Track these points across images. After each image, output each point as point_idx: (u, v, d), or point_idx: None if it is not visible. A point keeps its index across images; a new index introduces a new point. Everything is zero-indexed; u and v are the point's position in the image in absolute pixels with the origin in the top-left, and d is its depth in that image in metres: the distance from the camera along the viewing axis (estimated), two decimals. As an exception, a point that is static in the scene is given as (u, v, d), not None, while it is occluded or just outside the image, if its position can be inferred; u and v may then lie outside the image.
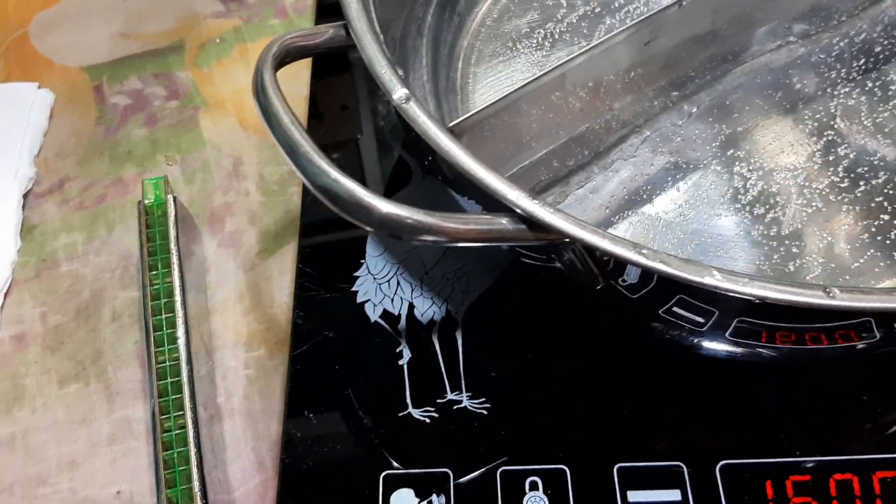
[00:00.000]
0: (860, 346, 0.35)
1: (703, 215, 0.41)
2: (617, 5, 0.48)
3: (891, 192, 0.42)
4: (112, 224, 0.48)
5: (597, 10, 0.48)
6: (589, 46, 0.37)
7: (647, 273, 0.31)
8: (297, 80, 0.53)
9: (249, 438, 0.41)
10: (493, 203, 0.30)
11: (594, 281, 0.32)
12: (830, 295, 0.27)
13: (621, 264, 0.30)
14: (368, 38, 0.33)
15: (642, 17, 0.38)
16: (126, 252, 0.47)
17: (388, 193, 0.46)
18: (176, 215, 0.45)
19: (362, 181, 0.46)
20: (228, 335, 0.44)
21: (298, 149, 0.28)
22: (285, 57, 0.32)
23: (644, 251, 0.28)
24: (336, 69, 0.52)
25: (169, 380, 0.40)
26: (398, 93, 0.31)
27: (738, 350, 0.36)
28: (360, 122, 0.50)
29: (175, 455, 0.39)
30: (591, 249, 0.29)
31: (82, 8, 0.58)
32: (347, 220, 0.28)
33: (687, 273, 0.27)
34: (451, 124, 0.33)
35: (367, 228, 0.28)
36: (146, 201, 0.46)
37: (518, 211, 0.29)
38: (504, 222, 0.29)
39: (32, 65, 0.55)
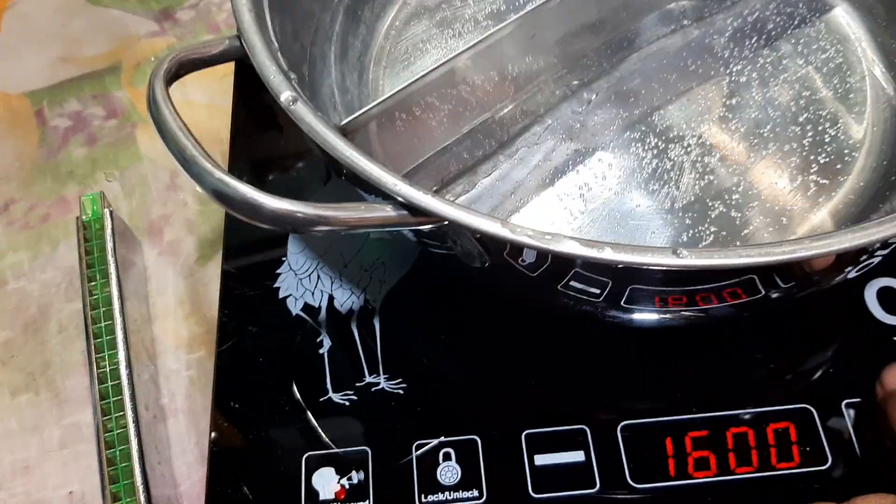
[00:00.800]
0: (748, 303, 0.37)
1: (603, 195, 0.43)
2: (521, 2, 0.51)
3: (779, 161, 0.44)
4: (56, 241, 0.51)
5: (501, 7, 0.51)
6: (473, 43, 0.39)
7: (540, 254, 0.34)
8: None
9: (193, 435, 0.43)
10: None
11: (481, 259, 0.34)
12: (679, 255, 0.29)
13: (500, 241, 0.32)
14: (259, 47, 0.35)
15: (523, 13, 0.40)
16: (70, 267, 0.49)
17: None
18: (113, 228, 0.47)
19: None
20: (170, 340, 0.46)
21: (185, 153, 0.31)
22: (179, 70, 0.34)
23: (514, 227, 0.30)
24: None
25: (110, 383, 0.43)
26: (285, 95, 0.33)
27: (635, 316, 0.38)
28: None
29: (118, 453, 0.41)
30: (465, 228, 0.31)
31: (21, 36, 0.61)
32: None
33: (548, 245, 0.29)
34: (342, 123, 0.36)
35: (260, 225, 0.30)
36: (84, 217, 0.48)
37: (398, 198, 0.31)
38: (388, 209, 0.31)
39: (-26, 94, 0.58)
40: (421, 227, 0.32)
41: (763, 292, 0.36)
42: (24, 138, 0.55)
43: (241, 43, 0.36)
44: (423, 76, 0.38)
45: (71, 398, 0.45)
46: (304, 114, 0.33)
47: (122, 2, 0.62)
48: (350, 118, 0.36)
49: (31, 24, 0.61)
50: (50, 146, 0.55)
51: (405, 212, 0.31)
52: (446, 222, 0.31)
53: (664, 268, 0.29)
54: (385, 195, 0.32)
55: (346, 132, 0.36)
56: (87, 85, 0.58)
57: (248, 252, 0.46)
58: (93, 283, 0.46)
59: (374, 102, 0.37)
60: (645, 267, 0.29)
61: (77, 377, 0.46)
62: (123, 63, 0.59)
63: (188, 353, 0.46)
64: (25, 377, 0.46)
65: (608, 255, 0.29)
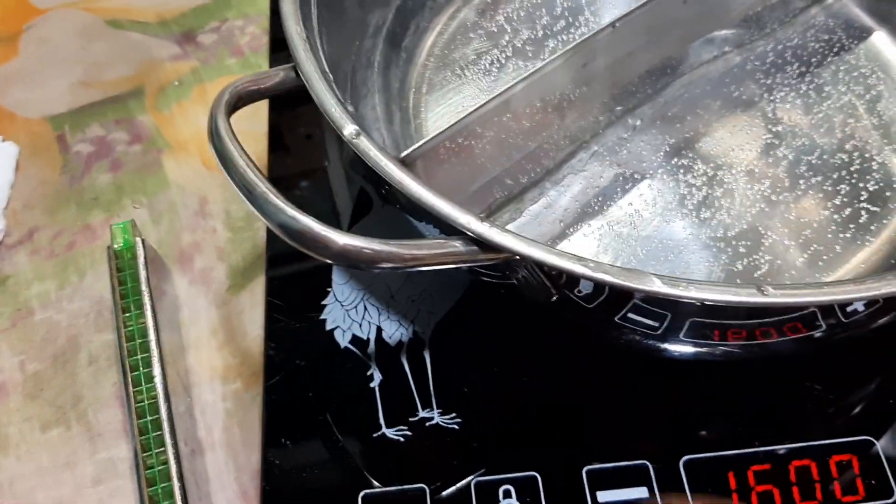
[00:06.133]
0: (808, 337, 0.36)
1: (652, 223, 0.43)
2: (559, 28, 0.50)
3: (829, 188, 0.44)
4: (83, 270, 0.50)
5: (539, 34, 0.50)
6: (528, 73, 0.39)
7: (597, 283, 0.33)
8: (257, 116, 0.54)
9: (232, 469, 0.42)
10: (447, 226, 0.31)
11: (548, 294, 0.33)
12: (764, 293, 0.29)
13: (570, 276, 0.32)
14: (317, 78, 0.34)
15: (577, 41, 0.40)
16: (98, 297, 0.48)
17: (354, 220, 0.47)
18: (145, 257, 0.47)
19: (332, 209, 0.48)
20: (204, 371, 0.45)
21: (255, 189, 0.30)
22: (238, 101, 0.34)
23: (589, 263, 0.29)
24: (298, 100, 0.54)
25: (148, 418, 0.42)
26: (348, 129, 0.33)
27: (694, 349, 0.37)
28: (325, 150, 0.51)
29: (159, 490, 0.40)
30: (539, 265, 0.30)
31: (40, 60, 0.60)
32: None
33: (629, 281, 0.29)
34: (402, 155, 0.35)
35: (327, 261, 0.30)
36: (115, 246, 0.47)
37: (469, 233, 0.30)
38: (457, 245, 0.31)
39: (-6, 119, 0.57)
40: (488, 264, 0.32)
41: (824, 327, 0.35)
42: (47, 164, 0.54)
43: (297, 73, 0.35)
44: (481, 106, 0.38)
45: (104, 432, 0.44)
46: (368, 149, 0.32)
47: (143, 25, 0.61)
48: (410, 150, 0.35)
49: (49, 48, 0.60)
50: (73, 172, 0.54)
51: (475, 247, 0.31)
52: (517, 257, 0.31)
53: (751, 306, 0.28)
54: (451, 229, 0.31)
55: (405, 164, 0.35)
56: (110, 109, 0.57)
57: (292, 284, 0.45)
58: (127, 315, 0.45)
59: (434, 134, 0.36)
60: (731, 305, 0.28)
61: (110, 410, 0.45)
62: (146, 87, 0.58)
63: (224, 385, 0.45)
64: (56, 411, 0.45)
65: (693, 293, 0.29)
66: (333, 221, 0.47)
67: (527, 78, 0.39)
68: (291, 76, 0.35)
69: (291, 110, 0.53)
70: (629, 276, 0.29)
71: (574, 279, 0.33)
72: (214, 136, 0.32)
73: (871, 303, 0.34)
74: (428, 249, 0.30)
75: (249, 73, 0.35)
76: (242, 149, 0.31)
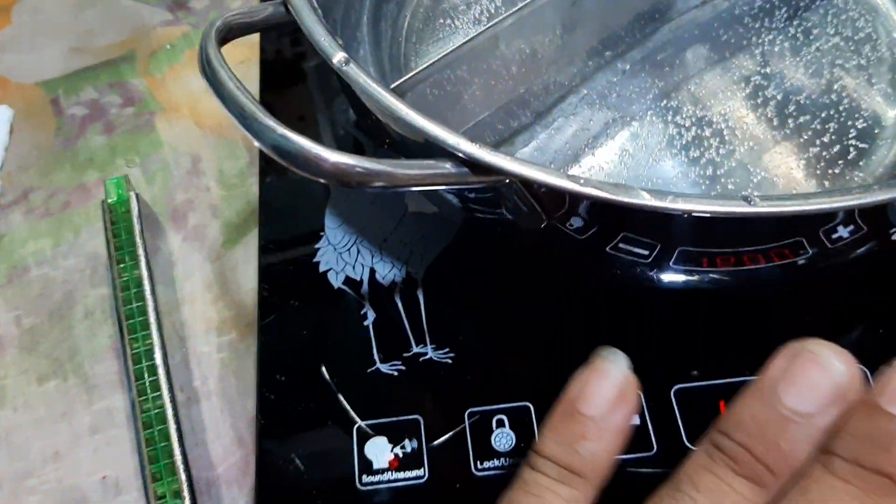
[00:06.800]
0: (797, 263, 0.36)
1: (642, 163, 0.43)
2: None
3: (817, 127, 0.44)
4: (78, 228, 0.50)
5: (527, -16, 0.50)
6: (518, 7, 0.39)
7: (590, 215, 0.34)
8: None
9: (227, 417, 0.42)
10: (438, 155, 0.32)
11: (538, 219, 0.33)
12: (752, 203, 0.29)
13: (560, 198, 0.32)
14: (307, 11, 0.34)
15: (566, -23, 0.40)
16: (93, 253, 0.49)
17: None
18: (139, 210, 0.47)
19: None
20: (199, 323, 0.46)
21: (246, 111, 0.30)
22: (228, 33, 0.34)
23: (578, 179, 0.30)
24: (290, 81, 0.54)
25: (144, 363, 0.42)
26: (337, 56, 0.33)
27: (684, 277, 0.38)
28: (318, 131, 0.52)
29: (156, 433, 0.40)
30: (529, 185, 0.31)
31: (32, 28, 0.60)
32: (303, 178, 0.30)
33: (617, 195, 0.29)
34: (392, 85, 0.35)
35: (320, 180, 0.30)
36: (109, 200, 0.47)
37: (460, 154, 0.31)
38: (447, 166, 0.31)
39: (-12, 84, 0.57)
40: (477, 186, 0.32)
41: (810, 253, 0.36)
42: (41, 127, 0.55)
43: (287, 9, 0.35)
44: (472, 38, 0.38)
45: (100, 384, 0.44)
46: (357, 75, 0.32)
47: (134, -9, 0.62)
48: (402, 80, 0.35)
49: (42, 17, 0.61)
50: (67, 135, 0.54)
51: (465, 169, 0.31)
52: (506, 180, 0.31)
53: (738, 215, 0.29)
54: (442, 154, 0.31)
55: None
56: (103, 73, 0.57)
57: (285, 227, 0.45)
58: (121, 266, 0.45)
59: (424, 65, 0.36)
60: (718, 216, 0.29)
61: (105, 362, 0.45)
62: (138, 52, 0.58)
63: (218, 337, 0.45)
64: (52, 363, 0.45)
65: (681, 205, 0.29)
66: (326, 193, 0.48)
67: (516, 12, 0.39)
68: (281, 10, 0.36)
69: (283, 91, 0.54)
70: (618, 191, 0.29)
71: (562, 202, 0.33)
72: (205, 64, 0.32)
73: (854, 230, 0.35)
74: (419, 170, 0.31)
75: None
76: (233, 74, 0.31)
